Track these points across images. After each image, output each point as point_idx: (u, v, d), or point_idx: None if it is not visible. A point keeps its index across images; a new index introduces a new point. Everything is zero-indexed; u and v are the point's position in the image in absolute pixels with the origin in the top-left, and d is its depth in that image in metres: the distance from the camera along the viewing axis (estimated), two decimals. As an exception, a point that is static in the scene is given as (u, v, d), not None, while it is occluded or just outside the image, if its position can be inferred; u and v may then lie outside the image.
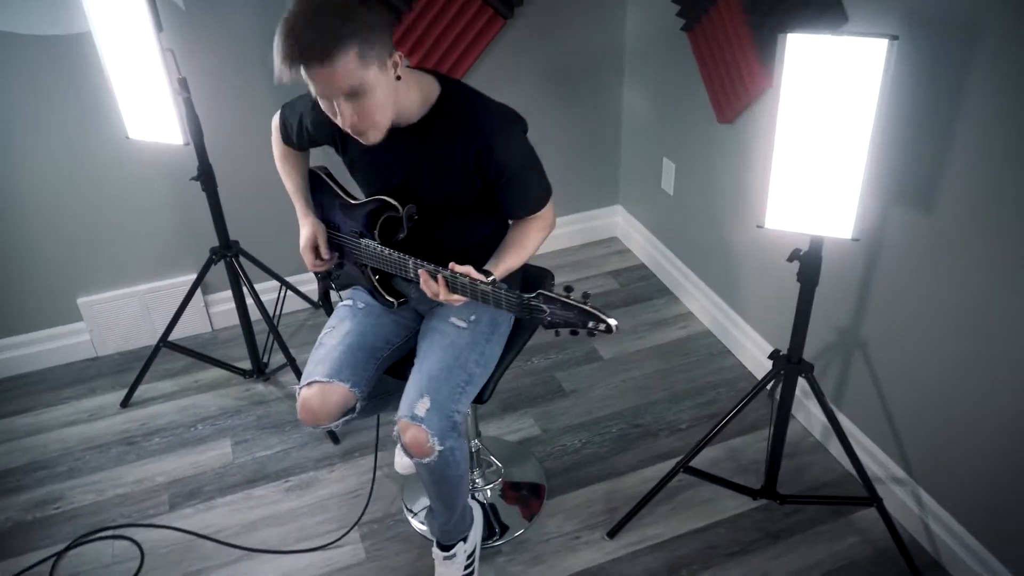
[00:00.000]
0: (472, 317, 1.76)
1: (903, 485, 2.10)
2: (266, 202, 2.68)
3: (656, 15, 2.70)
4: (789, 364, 1.94)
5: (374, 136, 1.51)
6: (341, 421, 1.76)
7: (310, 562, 2.10)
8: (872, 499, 1.99)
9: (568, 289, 1.44)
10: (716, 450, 2.36)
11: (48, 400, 2.67)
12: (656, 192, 3.01)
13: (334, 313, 1.87)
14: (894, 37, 1.40)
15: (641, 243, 3.21)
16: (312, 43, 1.34)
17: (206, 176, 2.28)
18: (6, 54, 2.29)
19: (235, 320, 2.68)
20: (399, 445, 1.67)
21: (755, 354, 2.59)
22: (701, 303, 2.87)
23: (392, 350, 1.83)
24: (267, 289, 2.73)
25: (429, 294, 1.58)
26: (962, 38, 1.64)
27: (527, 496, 2.25)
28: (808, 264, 1.78)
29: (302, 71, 1.38)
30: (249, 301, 2.50)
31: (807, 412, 2.41)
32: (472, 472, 2.22)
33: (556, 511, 2.21)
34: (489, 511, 2.19)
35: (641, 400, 2.56)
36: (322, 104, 1.48)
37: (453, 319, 1.76)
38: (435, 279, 1.56)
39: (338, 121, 1.48)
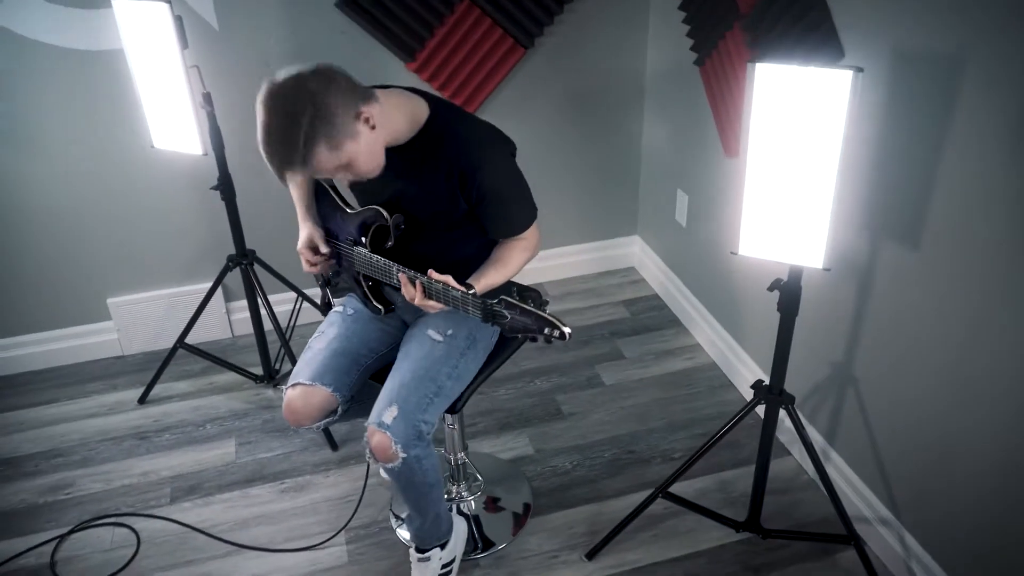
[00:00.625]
0: (449, 331, 1.82)
1: (888, 526, 2.07)
2: (285, 214, 2.78)
3: (674, 48, 2.75)
4: (770, 395, 1.95)
5: (372, 175, 1.64)
6: (323, 423, 1.84)
7: (295, 562, 2.16)
8: (850, 537, 1.96)
9: (525, 299, 1.49)
10: (706, 481, 2.36)
11: (73, 393, 2.82)
12: (670, 223, 3.04)
13: (326, 319, 1.96)
14: (859, 69, 1.43)
15: (656, 274, 3.23)
16: (286, 156, 1.49)
17: (225, 186, 2.40)
18: (48, 65, 2.47)
19: (249, 329, 2.80)
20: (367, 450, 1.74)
21: (756, 388, 2.58)
22: (708, 335, 2.87)
23: (376, 357, 1.89)
24: (285, 300, 2.83)
25: (407, 298, 1.65)
26: (949, 71, 1.65)
27: (512, 512, 2.28)
28: (787, 294, 1.79)
29: (293, 174, 1.54)
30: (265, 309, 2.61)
31: (802, 449, 2.38)
32: (458, 485, 2.26)
33: (539, 529, 2.24)
34: (472, 524, 2.23)
35: (638, 427, 2.57)
36: None
37: (431, 331, 1.82)
38: (413, 284, 1.63)
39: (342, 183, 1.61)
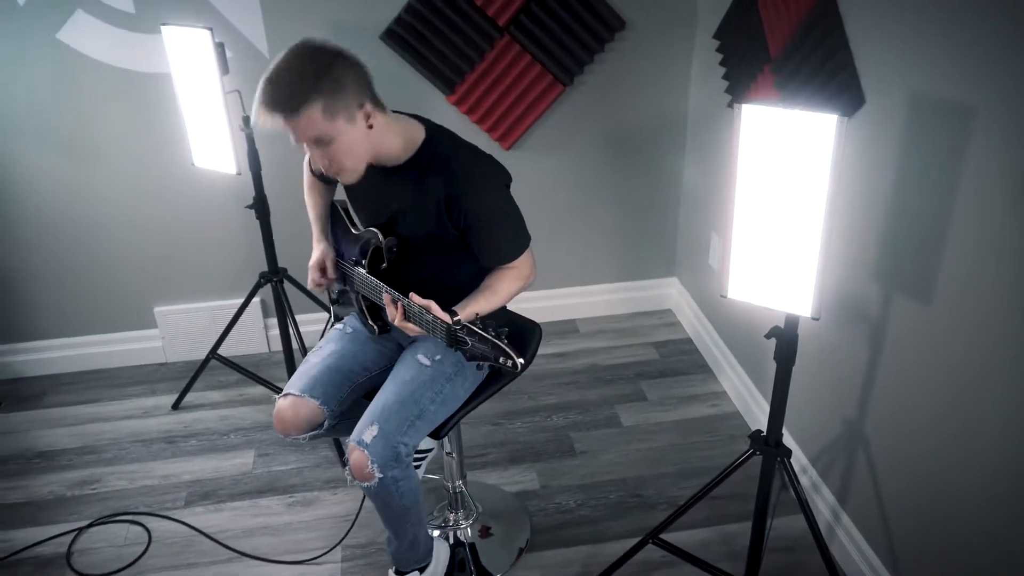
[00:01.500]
0: (437, 356, 1.84)
1: (893, 596, 1.96)
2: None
3: (712, 89, 2.74)
4: (766, 446, 1.89)
5: (347, 177, 1.68)
6: (308, 435, 1.88)
7: (290, 574, 2.21)
8: (846, 602, 1.87)
9: (487, 326, 1.51)
10: (709, 532, 2.29)
11: (114, 395, 2.97)
12: (704, 266, 3.00)
13: (326, 335, 2.02)
14: (845, 115, 1.40)
15: (691, 318, 3.18)
16: (281, 97, 1.53)
17: (260, 205, 2.51)
18: (107, 83, 2.65)
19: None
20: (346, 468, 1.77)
21: (776, 441, 2.50)
22: (735, 383, 2.80)
23: (369, 377, 1.94)
24: (317, 320, 2.92)
25: (389, 318, 1.70)
26: (963, 122, 1.60)
27: (509, 545, 2.26)
28: (783, 342, 1.75)
29: (273, 120, 1.55)
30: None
31: (816, 508, 2.29)
32: (456, 513, 2.27)
33: (533, 565, 2.21)
34: (467, 553, 2.23)
35: (648, 471, 2.53)
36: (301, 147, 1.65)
37: (420, 356, 1.85)
38: (395, 305, 1.67)
39: (313, 165, 1.65)
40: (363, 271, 1.85)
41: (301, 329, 2.73)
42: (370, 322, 1.91)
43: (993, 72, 1.51)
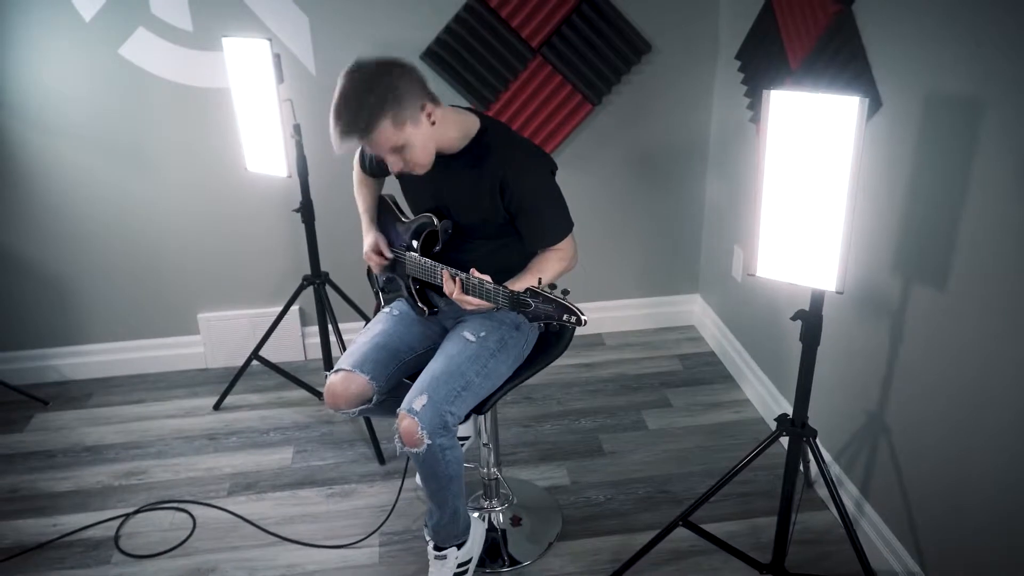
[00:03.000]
0: (482, 333, 1.96)
1: (916, 580, 2.02)
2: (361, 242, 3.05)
3: (734, 106, 2.89)
4: (792, 427, 1.97)
5: (421, 170, 1.83)
6: (357, 409, 1.99)
7: (329, 557, 2.28)
8: (871, 580, 1.93)
9: (552, 286, 1.63)
10: (738, 524, 2.35)
11: (159, 396, 3.08)
12: (727, 279, 3.10)
13: (374, 317, 2.14)
14: (864, 97, 1.53)
15: (714, 332, 3.28)
16: (352, 122, 1.69)
17: (306, 208, 2.65)
18: (164, 98, 2.84)
19: (320, 353, 3.03)
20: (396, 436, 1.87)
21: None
22: (758, 391, 2.88)
23: (415, 356, 2.05)
24: (354, 329, 3.04)
25: (447, 292, 1.82)
26: (974, 116, 1.72)
27: (540, 534, 2.33)
28: (809, 323, 1.85)
29: (351, 143, 1.73)
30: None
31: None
32: (490, 501, 2.34)
33: (564, 552, 2.28)
34: (500, 539, 2.30)
35: (676, 470, 2.60)
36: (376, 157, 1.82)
37: (465, 333, 1.96)
38: (453, 280, 1.80)
39: (391, 169, 1.80)
40: (416, 255, 1.98)
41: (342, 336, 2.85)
42: (420, 304, 2.04)
43: (1002, 68, 1.64)
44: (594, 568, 2.22)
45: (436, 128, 1.79)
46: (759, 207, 1.72)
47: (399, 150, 1.76)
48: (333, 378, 1.97)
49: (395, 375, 2.02)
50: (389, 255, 2.10)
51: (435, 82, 2.91)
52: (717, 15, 2.98)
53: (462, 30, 2.83)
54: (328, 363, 2.92)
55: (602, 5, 2.87)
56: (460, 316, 2.05)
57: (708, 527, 2.21)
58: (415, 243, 1.98)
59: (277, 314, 3.13)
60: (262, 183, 2.90)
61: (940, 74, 1.82)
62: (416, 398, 1.85)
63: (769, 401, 2.80)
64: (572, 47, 2.90)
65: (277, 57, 2.36)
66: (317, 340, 3.21)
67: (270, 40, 2.33)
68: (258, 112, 2.45)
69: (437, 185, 1.92)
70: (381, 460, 2.66)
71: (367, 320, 2.99)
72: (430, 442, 1.82)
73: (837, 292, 1.69)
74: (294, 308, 3.18)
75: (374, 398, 1.98)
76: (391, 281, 2.17)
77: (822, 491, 2.44)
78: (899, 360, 2.04)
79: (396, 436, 1.88)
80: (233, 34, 2.49)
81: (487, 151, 1.86)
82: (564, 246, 1.94)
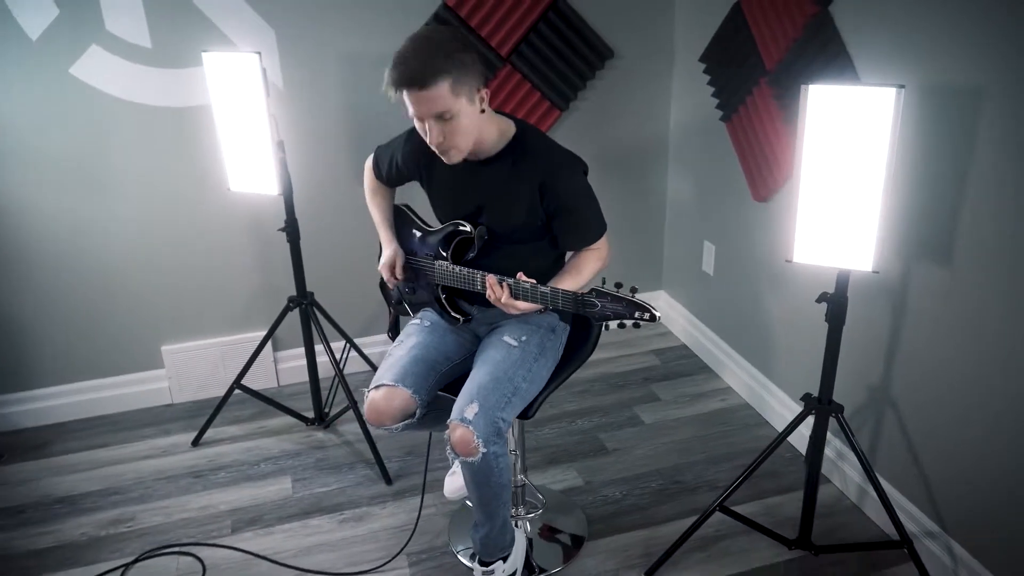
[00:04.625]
0: (523, 338, 1.96)
1: (935, 539, 2.15)
2: (341, 260, 2.97)
3: (697, 108, 3.00)
4: (820, 404, 2.07)
5: (455, 156, 1.79)
6: (401, 424, 1.94)
7: (359, 584, 2.21)
8: (903, 542, 2.05)
9: (618, 285, 1.65)
10: (752, 506, 2.44)
11: (125, 438, 2.88)
12: (697, 274, 3.22)
13: (404, 329, 2.09)
14: (901, 86, 1.64)
15: (683, 325, 3.38)
16: (414, 70, 1.64)
17: (292, 227, 2.56)
18: (119, 119, 2.68)
19: (301, 377, 2.96)
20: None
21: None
22: (740, 378, 3.00)
23: (451, 366, 2.02)
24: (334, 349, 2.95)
25: (492, 299, 1.80)
26: (966, 104, 1.87)
27: (567, 539, 2.34)
28: (835, 304, 1.95)
29: (404, 92, 1.68)
30: (319, 347, 2.72)
31: (843, 475, 2.48)
32: (517, 508, 2.33)
33: (596, 552, 2.30)
34: (529, 547, 2.29)
35: (681, 460, 2.67)
36: (416, 124, 1.77)
37: (506, 338, 1.96)
38: (500, 286, 1.78)
39: (427, 138, 1.75)
40: (446, 263, 1.95)
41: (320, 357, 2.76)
42: (453, 313, 2.01)
43: (991, 58, 1.79)
44: (629, 563, 2.25)
45: (483, 117, 1.78)
46: (797, 197, 1.80)
47: (447, 118, 1.70)
48: (374, 394, 1.92)
49: (434, 387, 1.98)
50: (400, 276, 2.06)
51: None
52: (673, 20, 3.10)
53: (433, 40, 2.81)
54: (316, 391, 2.82)
55: (567, 12, 2.92)
56: (494, 322, 2.04)
57: (738, 507, 2.28)
58: (445, 251, 1.96)
59: (245, 341, 3.01)
60: (222, 205, 2.78)
61: (920, 66, 1.97)
62: (467, 406, 1.82)
63: (753, 386, 2.92)
64: (540, 55, 2.94)
65: (264, 71, 2.28)
66: (290, 365, 3.13)
67: (259, 53, 2.24)
68: (244, 129, 2.35)
69: (474, 188, 1.91)
70: (388, 480, 2.59)
71: (348, 340, 2.92)
72: (485, 450, 1.80)
73: (873, 272, 1.79)
74: (263, 332, 3.06)
75: (417, 412, 1.94)
76: (412, 291, 2.13)
77: (823, 465, 2.56)
78: (903, 334, 2.18)
79: (448, 447, 1.84)
80: (192, 55, 2.38)
81: (525, 154, 1.86)
82: (600, 245, 1.97)
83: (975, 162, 1.88)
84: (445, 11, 2.80)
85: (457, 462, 2.28)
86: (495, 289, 1.81)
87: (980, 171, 1.87)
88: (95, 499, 2.57)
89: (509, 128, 1.87)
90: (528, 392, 1.91)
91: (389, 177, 2.11)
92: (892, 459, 2.30)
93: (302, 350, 2.81)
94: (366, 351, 3.08)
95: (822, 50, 2.29)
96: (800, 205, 1.81)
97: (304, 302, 2.67)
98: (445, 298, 2.03)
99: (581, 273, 1.92)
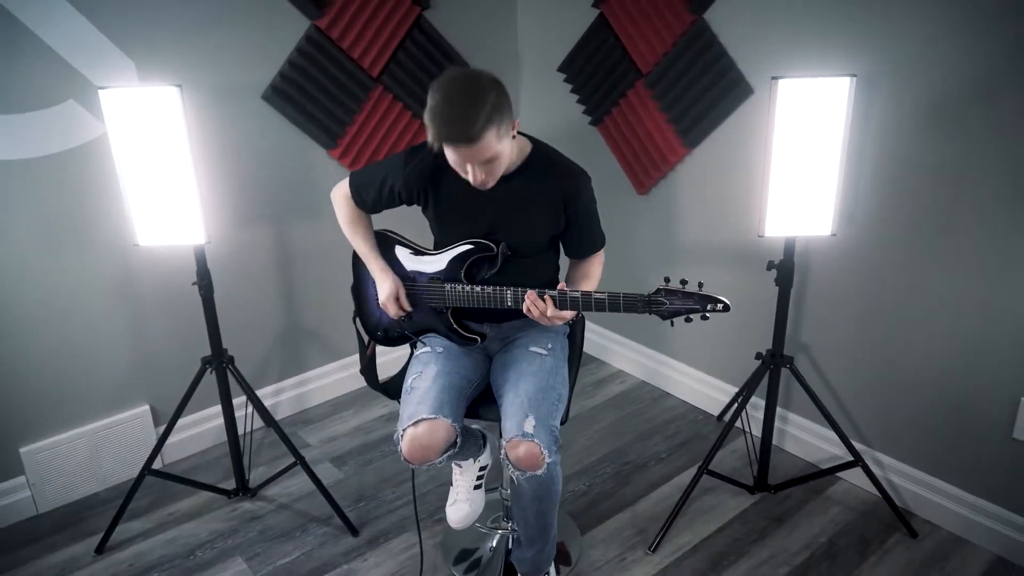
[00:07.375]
0: (549, 345, 1.98)
1: (866, 456, 2.55)
2: (249, 314, 2.70)
3: (561, 116, 3.17)
4: (774, 358, 2.36)
5: (491, 183, 1.78)
6: (445, 456, 1.86)
7: (387, 642, 2.06)
8: (856, 460, 2.41)
9: (683, 282, 1.75)
10: (693, 471, 2.66)
11: (6, 565, 2.34)
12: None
13: (415, 359, 2.00)
14: (853, 75, 1.95)
15: (555, 322, 3.55)
16: (461, 130, 1.62)
17: (204, 280, 2.28)
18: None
19: (187, 451, 2.75)
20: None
21: (695, 387, 3.01)
22: (631, 359, 3.24)
23: (472, 388, 1.97)
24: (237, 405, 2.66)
25: (535, 314, 1.80)
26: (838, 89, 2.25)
27: (561, 537, 2.39)
28: (783, 269, 2.23)
29: (450, 147, 1.67)
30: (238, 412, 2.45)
31: (758, 422, 2.81)
32: (511, 521, 2.32)
33: (595, 543, 2.37)
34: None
35: (618, 443, 2.83)
36: (455, 167, 1.75)
37: (533, 348, 1.96)
38: (543, 299, 1.79)
39: (467, 178, 1.74)
40: (460, 285, 1.90)
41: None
42: (469, 335, 1.96)
43: (849, 45, 2.19)
44: (629, 544, 2.36)
45: (513, 143, 1.79)
46: (767, 178, 2.05)
47: (489, 161, 1.71)
48: (415, 431, 1.80)
49: (463, 412, 1.92)
50: (407, 306, 1.99)
51: (279, 123, 2.69)
52: (516, 35, 3.24)
53: (305, 62, 2.66)
54: (236, 457, 2.53)
55: (427, 29, 2.93)
56: (508, 335, 2.03)
57: (684, 476, 2.50)
58: (458, 273, 1.91)
59: (121, 422, 2.63)
60: (62, 268, 2.41)
61: (795, 59, 2.34)
62: (524, 421, 1.80)
63: (646, 363, 3.18)
64: (408, 72, 2.91)
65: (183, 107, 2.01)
66: (178, 439, 2.76)
67: (180, 87, 1.98)
68: (158, 174, 2.05)
69: (488, 208, 1.88)
70: (354, 531, 2.42)
71: (250, 396, 2.66)
72: (550, 460, 1.80)
73: (832, 235, 2.10)
74: (143, 408, 2.66)
75: (457, 440, 1.87)
76: (409, 317, 2.03)
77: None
78: (808, 287, 2.55)
79: (509, 466, 1.81)
80: (39, 98, 2.07)
81: (546, 168, 1.88)
82: (601, 251, 2.06)
83: (869, 143, 2.27)
84: (316, 32, 2.66)
85: (457, 492, 2.22)
86: (537, 304, 1.81)
87: (859, 151, 2.27)
88: (2, 648, 2.07)
89: (526, 145, 1.89)
90: (565, 396, 1.94)
91: (376, 204, 1.99)
92: (803, 399, 2.67)
93: (190, 418, 2.54)
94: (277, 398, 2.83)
95: (704, 51, 2.57)
96: (771, 185, 2.06)
97: (221, 362, 2.39)
98: (456, 320, 1.97)
99: (592, 277, 2.00)
